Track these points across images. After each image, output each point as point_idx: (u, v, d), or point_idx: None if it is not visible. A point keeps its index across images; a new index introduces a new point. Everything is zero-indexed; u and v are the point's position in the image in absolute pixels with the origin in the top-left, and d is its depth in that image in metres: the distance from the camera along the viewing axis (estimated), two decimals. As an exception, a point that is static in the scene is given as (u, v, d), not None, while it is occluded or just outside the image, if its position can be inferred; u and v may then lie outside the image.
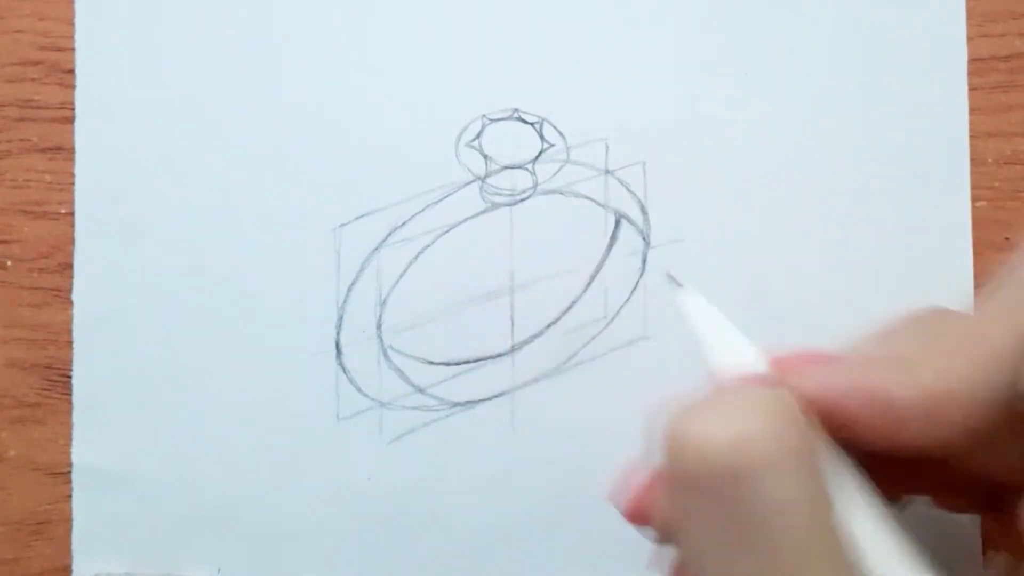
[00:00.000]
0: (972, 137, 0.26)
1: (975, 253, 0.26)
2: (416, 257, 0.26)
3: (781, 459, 0.17)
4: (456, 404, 0.26)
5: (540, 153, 0.26)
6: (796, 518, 0.16)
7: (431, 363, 0.26)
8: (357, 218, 0.26)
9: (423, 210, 0.26)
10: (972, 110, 0.26)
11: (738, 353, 0.20)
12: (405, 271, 0.26)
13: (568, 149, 0.26)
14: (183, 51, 0.26)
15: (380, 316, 0.26)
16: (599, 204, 0.26)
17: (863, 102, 0.26)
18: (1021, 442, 0.20)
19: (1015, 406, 0.18)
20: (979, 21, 0.26)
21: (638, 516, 0.20)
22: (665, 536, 0.19)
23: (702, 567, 0.18)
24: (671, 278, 0.22)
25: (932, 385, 0.18)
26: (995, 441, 0.20)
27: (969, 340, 0.18)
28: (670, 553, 0.19)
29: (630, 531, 0.26)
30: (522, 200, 0.26)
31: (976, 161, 0.26)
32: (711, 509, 0.17)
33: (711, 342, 0.21)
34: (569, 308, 0.26)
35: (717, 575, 0.17)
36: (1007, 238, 0.26)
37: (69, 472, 0.26)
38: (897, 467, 0.20)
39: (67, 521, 0.26)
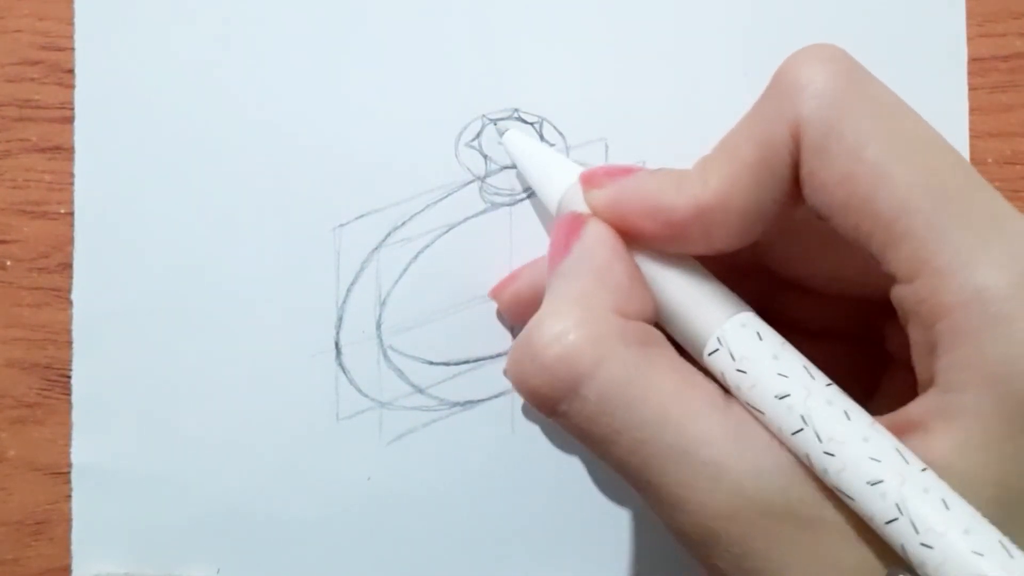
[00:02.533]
0: (972, 137, 0.26)
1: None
2: (416, 257, 0.26)
3: (603, 355, 0.18)
4: (456, 404, 0.26)
5: (540, 153, 0.26)
6: (636, 390, 0.18)
7: (431, 363, 0.26)
8: (357, 218, 0.26)
9: (423, 210, 0.26)
10: (972, 110, 0.26)
11: (563, 177, 0.22)
12: (405, 271, 0.26)
13: (568, 149, 0.26)
14: (183, 51, 0.26)
15: (380, 316, 0.26)
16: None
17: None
18: (830, 247, 0.21)
19: (802, 213, 0.19)
20: (979, 21, 0.26)
21: None
22: None
23: (623, 473, 0.19)
24: (494, 123, 0.25)
25: (699, 194, 0.19)
26: (805, 249, 0.22)
27: (728, 155, 0.19)
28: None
29: (630, 531, 0.26)
30: (522, 200, 0.26)
31: (976, 161, 0.26)
32: (578, 426, 0.18)
33: (538, 175, 0.24)
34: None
35: (629, 472, 0.18)
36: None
37: (69, 472, 0.26)
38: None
39: (67, 521, 0.26)
